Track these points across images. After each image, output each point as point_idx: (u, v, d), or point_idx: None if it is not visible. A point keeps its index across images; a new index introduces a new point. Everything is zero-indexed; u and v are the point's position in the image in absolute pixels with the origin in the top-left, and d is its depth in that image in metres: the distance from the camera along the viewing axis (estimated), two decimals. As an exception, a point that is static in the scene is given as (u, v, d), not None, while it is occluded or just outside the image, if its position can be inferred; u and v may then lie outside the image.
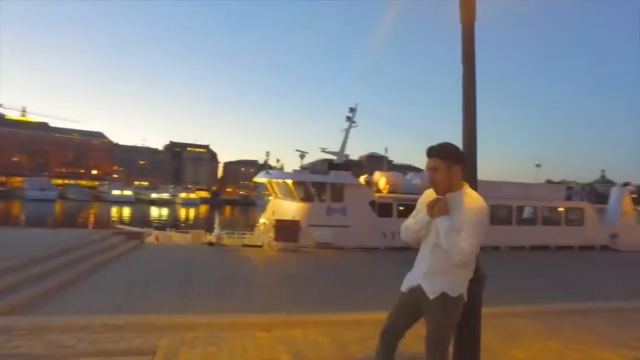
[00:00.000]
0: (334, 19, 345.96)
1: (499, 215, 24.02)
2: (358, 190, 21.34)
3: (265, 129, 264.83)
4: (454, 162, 2.32)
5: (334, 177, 22.07)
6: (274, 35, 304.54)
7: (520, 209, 24.82)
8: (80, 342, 3.84)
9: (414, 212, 2.57)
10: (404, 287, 2.56)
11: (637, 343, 4.34)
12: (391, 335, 2.56)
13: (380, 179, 22.48)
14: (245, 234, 20.43)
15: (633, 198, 27.75)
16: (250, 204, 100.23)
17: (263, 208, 30.09)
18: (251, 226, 25.25)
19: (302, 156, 24.47)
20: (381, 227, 21.02)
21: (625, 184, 28.70)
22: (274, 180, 22.19)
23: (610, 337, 4.50)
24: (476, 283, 2.60)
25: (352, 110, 25.97)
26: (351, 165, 24.80)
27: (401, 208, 21.80)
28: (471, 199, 2.30)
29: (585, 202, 27.28)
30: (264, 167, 26.48)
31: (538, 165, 33.63)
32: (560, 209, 25.07)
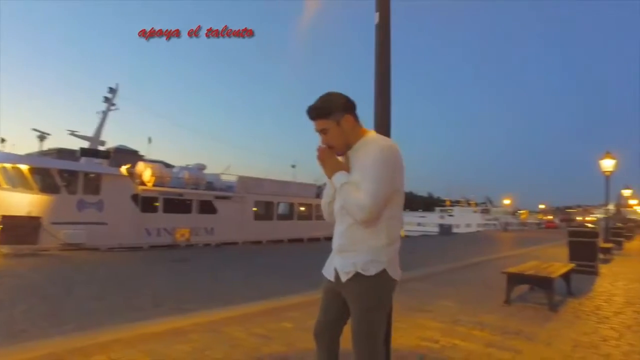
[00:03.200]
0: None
1: (261, 211, 25.45)
2: (118, 181, 18.68)
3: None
4: (342, 112, 1.87)
5: (88, 165, 18.69)
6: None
7: (280, 205, 26.99)
8: None
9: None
10: (324, 271, 2.02)
11: (427, 307, 5.08)
12: (325, 336, 1.99)
13: (145, 170, 20.33)
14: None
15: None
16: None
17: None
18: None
19: (42, 138, 19.68)
20: (145, 224, 19.06)
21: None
22: (-2, 164, 17.02)
23: (410, 306, 5.10)
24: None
25: (112, 90, 22.68)
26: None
27: (168, 203, 20.33)
28: (372, 143, 1.85)
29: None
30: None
31: (293, 166, 37.43)
32: (311, 205, 28.55)
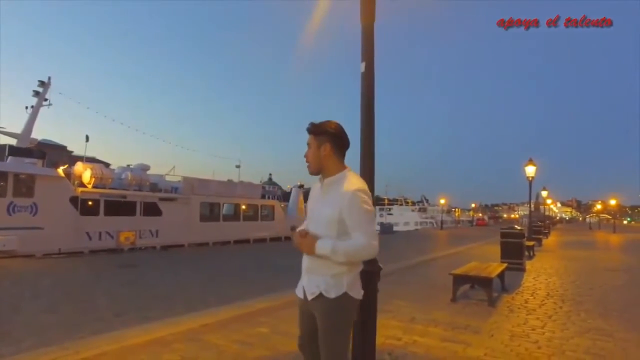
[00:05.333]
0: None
1: (207, 213, 25.07)
2: (54, 183, 17.67)
3: None
4: (325, 139, 2.11)
5: (17, 165, 17.44)
6: None
7: (226, 206, 26.75)
8: None
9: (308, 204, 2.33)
10: (296, 291, 2.25)
11: (386, 307, 5.51)
12: (307, 347, 2.22)
13: (85, 171, 19.36)
14: None
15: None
16: None
17: None
18: None
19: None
20: (85, 227, 18.19)
21: (300, 185, 35.57)
22: None
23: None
24: (372, 274, 2.70)
25: (42, 84, 21.28)
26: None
27: (110, 205, 19.49)
28: (349, 184, 2.03)
29: (275, 200, 32.30)
30: None
31: (238, 166, 37.01)
32: (257, 206, 28.54)
